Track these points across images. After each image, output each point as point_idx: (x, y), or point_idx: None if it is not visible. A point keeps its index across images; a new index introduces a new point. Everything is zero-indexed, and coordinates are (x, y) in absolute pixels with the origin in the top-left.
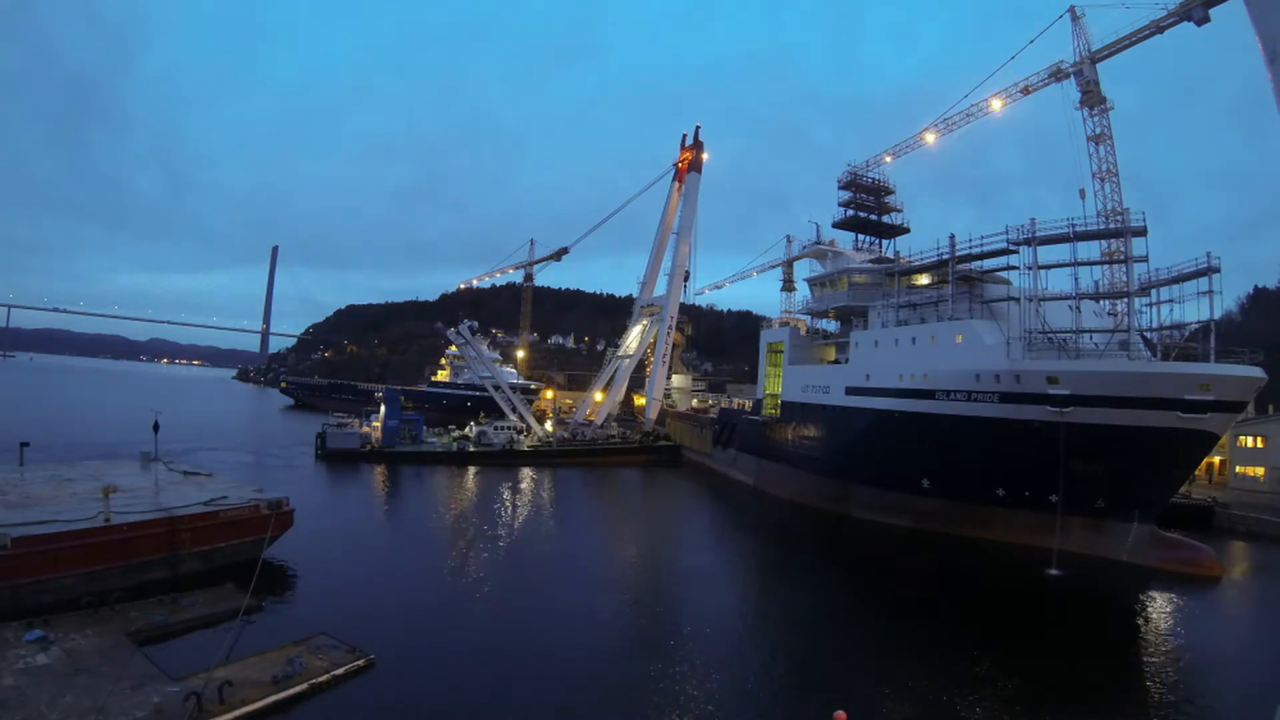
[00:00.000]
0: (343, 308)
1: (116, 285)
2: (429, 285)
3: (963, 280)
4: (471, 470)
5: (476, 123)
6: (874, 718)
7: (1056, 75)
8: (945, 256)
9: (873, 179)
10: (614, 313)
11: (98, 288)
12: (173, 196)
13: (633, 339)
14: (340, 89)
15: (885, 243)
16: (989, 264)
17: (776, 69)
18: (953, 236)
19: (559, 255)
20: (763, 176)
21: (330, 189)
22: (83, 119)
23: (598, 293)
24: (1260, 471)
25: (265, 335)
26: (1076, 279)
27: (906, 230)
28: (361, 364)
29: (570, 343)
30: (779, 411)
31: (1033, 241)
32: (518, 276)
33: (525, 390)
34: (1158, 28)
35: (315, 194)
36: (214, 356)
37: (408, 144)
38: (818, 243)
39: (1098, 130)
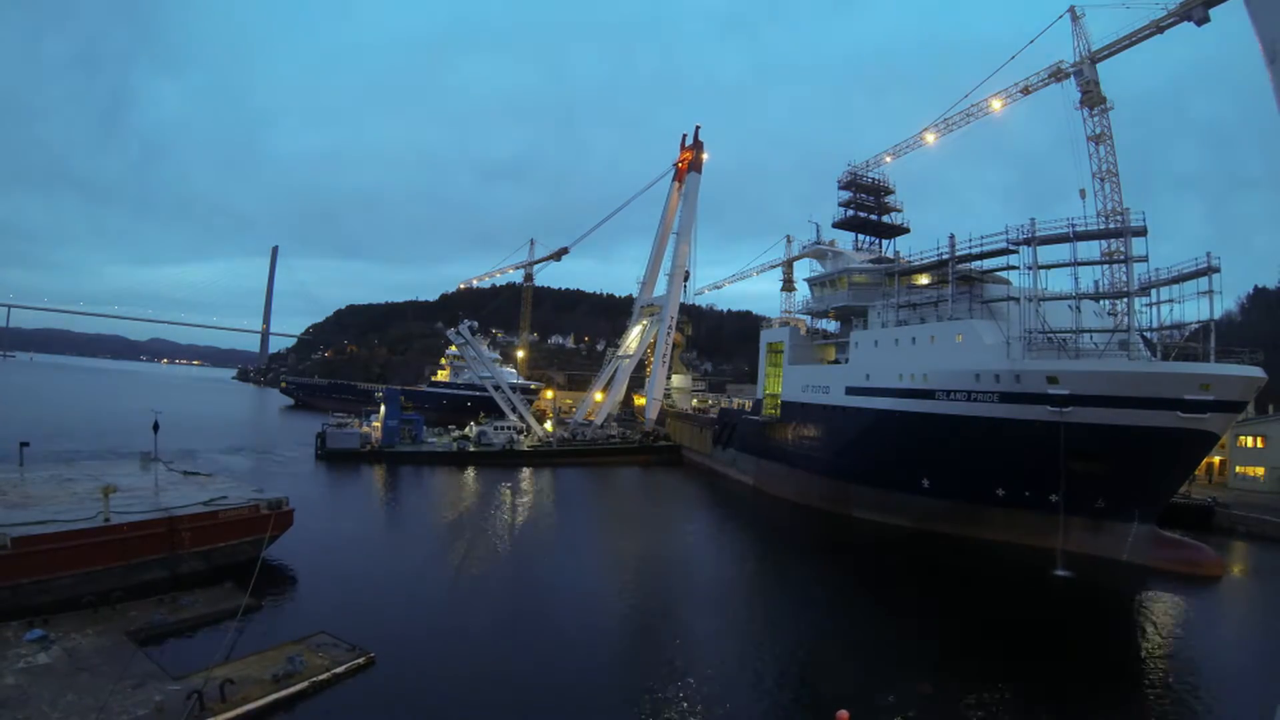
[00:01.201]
0: (343, 307)
1: (121, 280)
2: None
3: (963, 280)
4: (471, 470)
5: (642, 82)
6: (876, 716)
7: (1056, 75)
8: (945, 256)
9: (873, 179)
10: (614, 313)
11: (104, 283)
12: (215, 171)
13: (633, 339)
14: (472, 23)
15: (885, 243)
16: (989, 264)
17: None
18: (952, 237)
19: (559, 255)
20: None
21: (397, 159)
22: (131, 58)
23: (598, 293)
24: (1260, 471)
25: (265, 335)
26: (1077, 279)
27: (906, 230)
28: (361, 364)
29: (570, 343)
30: (779, 411)
31: (1033, 241)
32: (518, 276)
33: (525, 390)
34: (1158, 28)
35: (372, 166)
36: (214, 356)
37: (531, 102)
38: (818, 243)
39: (1098, 130)
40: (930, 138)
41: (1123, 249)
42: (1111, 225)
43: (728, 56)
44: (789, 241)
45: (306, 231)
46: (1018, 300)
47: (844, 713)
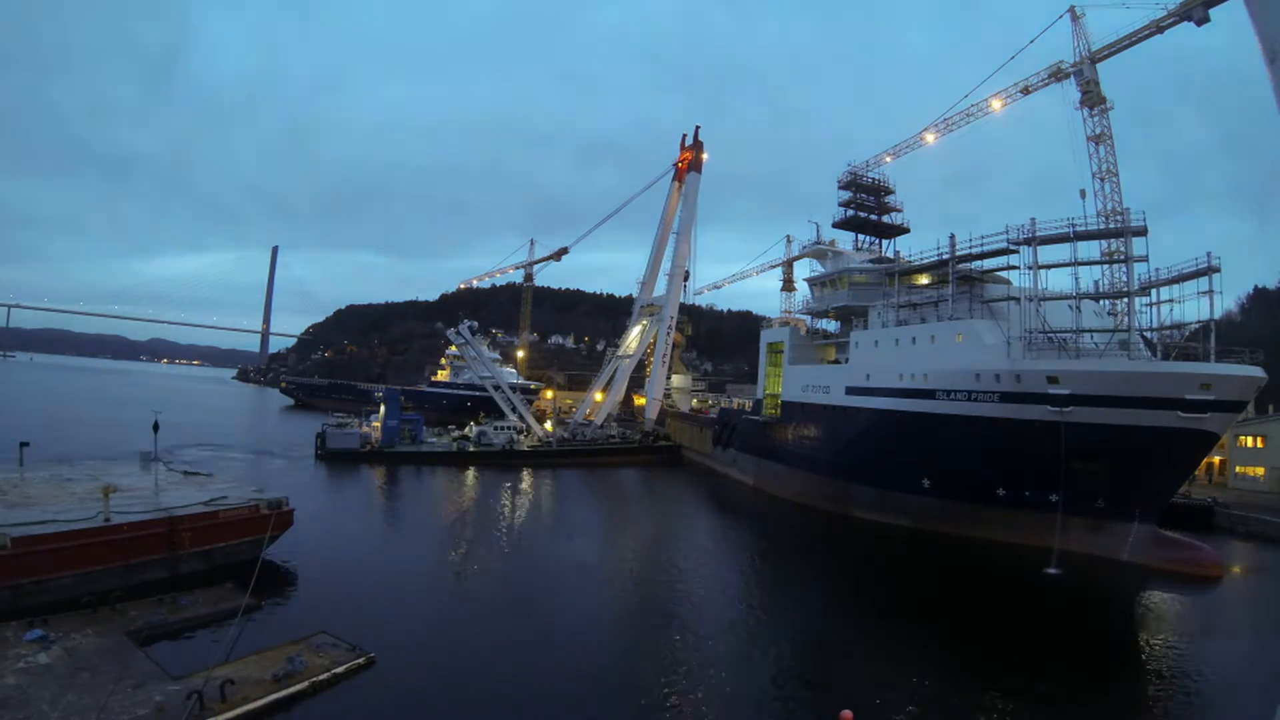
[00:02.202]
0: (343, 307)
1: (120, 274)
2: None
3: (963, 280)
4: (471, 470)
5: (825, 57)
6: (880, 717)
7: (1056, 75)
8: (945, 256)
9: (873, 179)
10: (614, 313)
11: (102, 278)
12: (265, 146)
13: (633, 339)
14: None
15: (885, 243)
16: (989, 264)
17: None
18: (953, 236)
19: (559, 255)
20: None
21: (475, 127)
22: None
23: (598, 293)
24: (1260, 471)
25: (265, 335)
26: (1077, 279)
27: (906, 230)
28: (361, 364)
29: (570, 343)
30: (779, 411)
31: (1033, 241)
32: (518, 276)
33: (525, 390)
34: (1158, 28)
35: (438, 135)
36: (214, 357)
37: (678, 68)
38: (818, 243)
39: (1098, 130)
40: (930, 138)
41: (1123, 249)
42: (1111, 225)
43: (924, 34)
44: (789, 241)
45: (330, 217)
46: (1018, 300)
47: (848, 713)
